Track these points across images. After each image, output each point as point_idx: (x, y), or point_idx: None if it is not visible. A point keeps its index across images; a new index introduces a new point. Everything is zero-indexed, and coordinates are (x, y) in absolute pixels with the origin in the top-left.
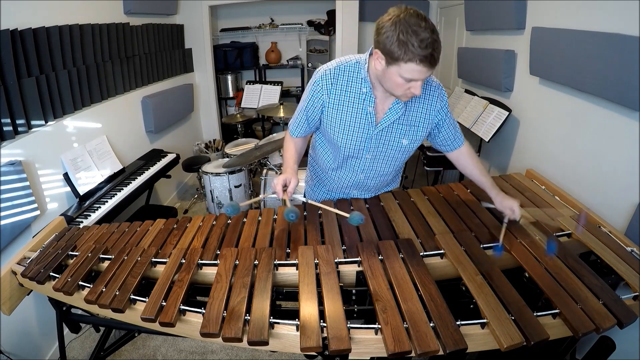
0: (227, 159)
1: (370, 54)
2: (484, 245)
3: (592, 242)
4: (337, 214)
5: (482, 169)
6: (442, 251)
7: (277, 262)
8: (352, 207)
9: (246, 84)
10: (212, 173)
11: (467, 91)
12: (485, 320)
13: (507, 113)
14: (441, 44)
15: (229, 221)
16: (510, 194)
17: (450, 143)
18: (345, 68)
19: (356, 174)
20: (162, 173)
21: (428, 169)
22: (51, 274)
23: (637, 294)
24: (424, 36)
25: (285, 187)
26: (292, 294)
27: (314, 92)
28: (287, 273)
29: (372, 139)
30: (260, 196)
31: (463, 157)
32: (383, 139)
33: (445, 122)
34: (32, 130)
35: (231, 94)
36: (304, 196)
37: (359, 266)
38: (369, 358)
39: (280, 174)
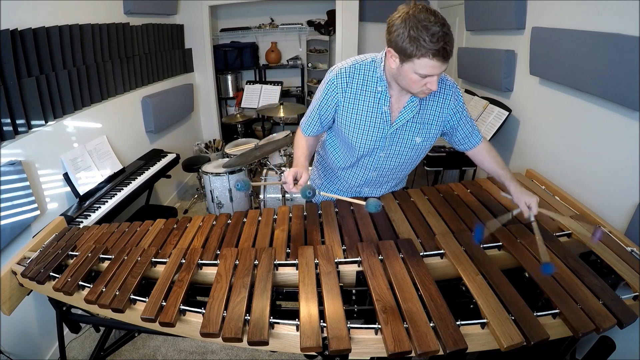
0: (227, 159)
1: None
2: (484, 245)
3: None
4: (354, 203)
5: (500, 162)
6: (442, 251)
7: (277, 262)
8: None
9: (246, 84)
10: (212, 173)
11: (467, 91)
12: (485, 320)
13: (507, 113)
14: (453, 37)
15: (229, 221)
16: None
17: (468, 141)
18: (361, 67)
19: (368, 172)
20: (162, 173)
21: (428, 169)
22: (51, 274)
23: (637, 294)
24: (434, 30)
25: (296, 180)
26: (292, 294)
27: (328, 91)
28: (287, 273)
29: (387, 138)
30: (262, 182)
31: (480, 153)
32: (397, 137)
33: (461, 121)
34: (32, 130)
35: (231, 94)
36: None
37: (359, 266)
38: (369, 358)
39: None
